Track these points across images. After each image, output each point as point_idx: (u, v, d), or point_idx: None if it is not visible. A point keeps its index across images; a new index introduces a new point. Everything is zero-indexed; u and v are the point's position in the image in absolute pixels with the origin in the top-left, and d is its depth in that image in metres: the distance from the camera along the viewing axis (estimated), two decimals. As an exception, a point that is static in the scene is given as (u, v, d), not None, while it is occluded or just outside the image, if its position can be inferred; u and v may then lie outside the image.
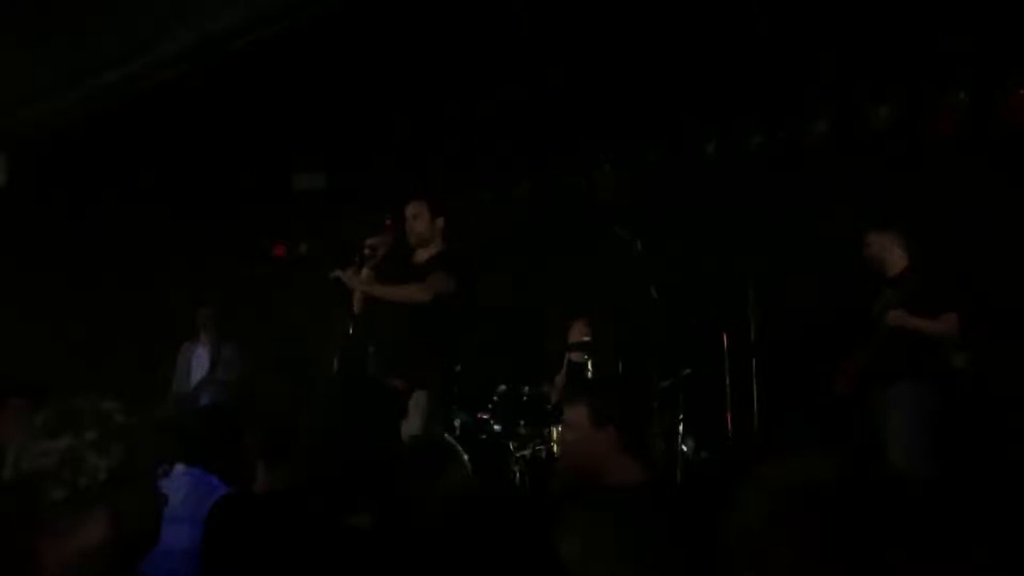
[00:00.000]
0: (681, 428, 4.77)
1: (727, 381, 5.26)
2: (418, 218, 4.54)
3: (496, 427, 4.94)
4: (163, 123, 5.70)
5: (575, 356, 5.61)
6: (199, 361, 6.38)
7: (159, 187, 6.55)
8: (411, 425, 4.13)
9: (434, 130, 6.02)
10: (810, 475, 0.78)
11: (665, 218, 5.86)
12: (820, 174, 5.57)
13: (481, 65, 5.33)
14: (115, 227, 6.45)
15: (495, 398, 5.04)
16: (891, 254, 4.62)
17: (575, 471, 2.25)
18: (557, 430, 4.82)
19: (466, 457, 2.28)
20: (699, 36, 5.07)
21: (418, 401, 4.32)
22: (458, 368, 4.96)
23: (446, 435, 4.46)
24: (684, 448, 4.74)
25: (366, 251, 4.46)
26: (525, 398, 5.03)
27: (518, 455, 4.76)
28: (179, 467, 2.37)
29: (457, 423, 4.90)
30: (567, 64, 5.34)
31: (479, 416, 5.09)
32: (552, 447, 4.79)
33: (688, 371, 5.00)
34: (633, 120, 5.88)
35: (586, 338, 5.32)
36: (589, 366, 4.70)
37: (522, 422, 4.91)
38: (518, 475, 4.67)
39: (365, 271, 4.50)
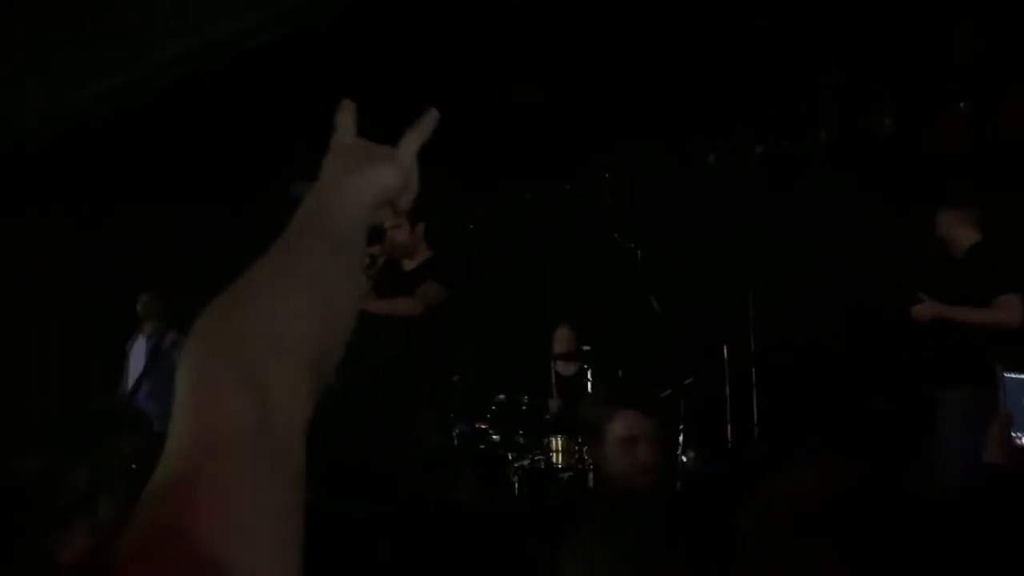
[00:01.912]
0: (681, 439, 4.78)
1: (727, 391, 5.27)
2: (398, 228, 4.53)
3: (494, 437, 4.95)
4: (161, 128, 5.70)
5: (562, 367, 5.61)
6: (137, 355, 5.75)
7: (157, 194, 6.54)
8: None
9: (434, 137, 6.03)
10: (832, 482, 0.79)
11: (666, 228, 5.88)
12: (822, 184, 5.59)
13: (482, 72, 5.35)
14: (114, 234, 6.41)
15: (493, 408, 5.04)
16: (960, 232, 4.03)
17: (615, 484, 2.25)
18: (556, 440, 4.83)
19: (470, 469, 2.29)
20: (701, 45, 5.09)
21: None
22: (456, 378, 4.96)
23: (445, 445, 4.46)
24: (684, 459, 4.75)
25: (367, 260, 4.46)
26: (524, 408, 5.04)
27: (516, 465, 4.76)
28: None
29: (455, 433, 4.90)
30: (568, 72, 5.36)
31: (477, 426, 5.09)
32: (551, 457, 4.79)
33: (688, 381, 5.01)
34: (634, 129, 5.90)
35: (585, 347, 5.33)
36: (589, 376, 4.70)
37: (521, 432, 4.91)
38: (516, 486, 4.67)
39: (363, 281, 4.50)
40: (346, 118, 0.95)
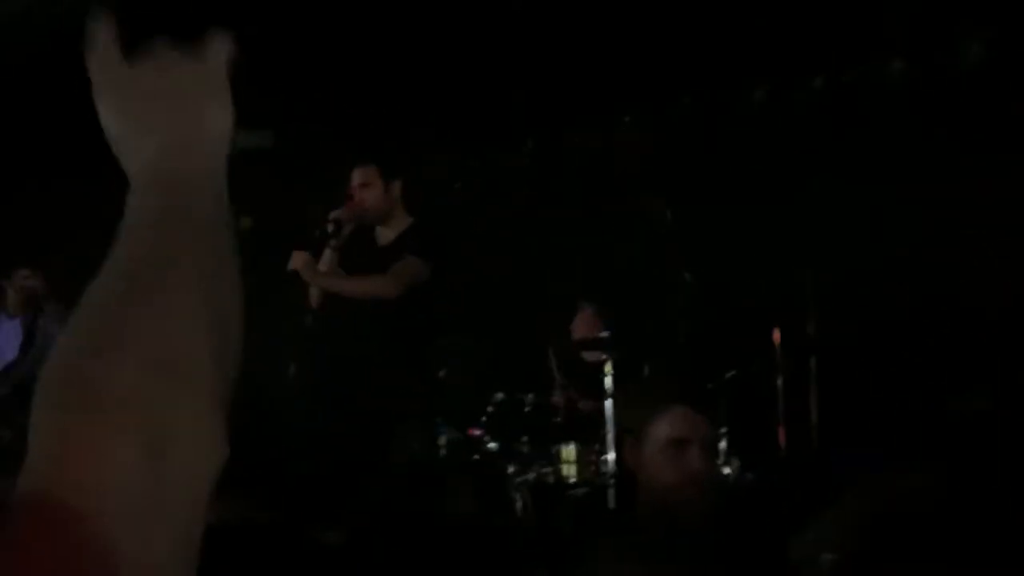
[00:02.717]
0: (723, 444, 4.78)
1: (779, 387, 5.27)
2: (368, 187, 4.52)
3: (491, 445, 4.96)
4: (75, 65, 5.67)
5: (589, 355, 5.62)
6: (7, 338, 5.80)
7: (71, 148, 6.53)
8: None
9: (411, 75, 6.01)
10: (915, 502, 0.79)
11: (701, 184, 5.87)
12: (897, 126, 5.57)
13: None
14: (24, 197, 6.41)
15: (490, 410, 5.05)
16: None
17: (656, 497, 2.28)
18: (568, 449, 4.84)
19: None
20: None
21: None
22: (442, 373, 4.97)
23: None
24: (727, 470, 4.76)
25: (329, 227, 4.45)
26: (528, 409, 5.05)
27: (519, 480, 4.78)
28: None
29: (442, 441, 4.91)
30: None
31: (470, 432, 5.11)
32: (562, 470, 4.81)
33: (731, 374, 5.01)
34: (661, 60, 5.87)
35: (602, 334, 5.33)
36: (607, 369, 4.71)
37: (524, 439, 4.92)
38: (520, 505, 4.69)
39: (327, 253, 4.50)
40: (103, 29, 0.81)
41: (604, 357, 4.88)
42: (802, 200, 5.70)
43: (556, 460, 4.83)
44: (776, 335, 5.35)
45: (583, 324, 5.74)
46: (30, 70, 5.50)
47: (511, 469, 4.82)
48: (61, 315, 5.68)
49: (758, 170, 5.92)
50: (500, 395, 5.07)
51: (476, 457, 4.95)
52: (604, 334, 5.28)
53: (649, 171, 6.17)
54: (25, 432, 0.61)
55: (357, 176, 4.56)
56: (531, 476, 4.81)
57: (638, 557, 1.14)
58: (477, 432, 5.05)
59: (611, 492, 4.40)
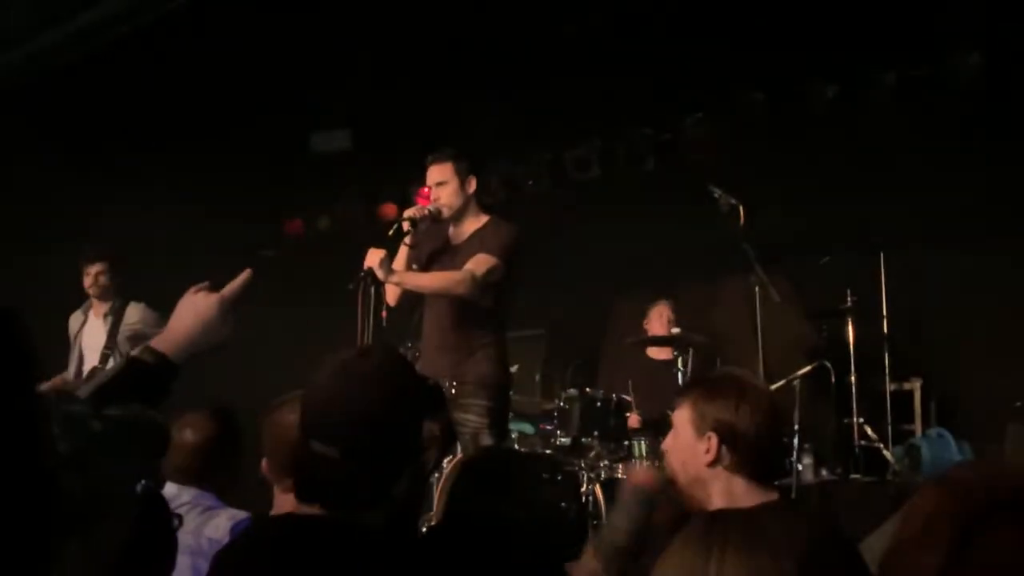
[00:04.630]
0: (796, 440, 4.73)
1: (853, 381, 5.21)
2: (444, 185, 4.52)
3: (562, 440, 4.96)
4: (155, 69, 5.79)
5: (656, 352, 5.60)
6: (92, 339, 5.77)
7: (151, 150, 6.66)
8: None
9: (481, 72, 6.02)
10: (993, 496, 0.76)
11: (773, 179, 5.80)
12: (971, 120, 5.46)
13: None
14: (99, 194, 6.55)
15: (561, 404, 5.05)
16: None
17: (672, 493, 2.26)
18: (638, 444, 4.82)
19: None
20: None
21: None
22: (515, 368, 4.97)
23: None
24: (800, 466, 4.71)
25: (404, 225, 4.46)
26: (598, 404, 5.03)
27: (590, 475, 4.77)
28: (171, 486, 2.43)
29: (514, 435, 4.92)
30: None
31: (541, 427, 5.11)
32: (633, 466, 4.79)
33: (805, 369, 4.96)
34: (731, 54, 5.81)
35: (675, 329, 5.30)
36: (679, 364, 4.68)
37: (595, 434, 4.91)
38: (591, 499, 4.68)
39: (402, 250, 4.52)
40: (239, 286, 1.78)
41: (676, 354, 4.86)
42: (875, 194, 5.62)
43: (628, 456, 4.82)
44: (849, 329, 5.29)
45: (656, 318, 5.72)
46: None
47: (582, 464, 4.81)
48: (141, 312, 5.74)
49: (830, 164, 5.85)
50: (572, 391, 5.07)
51: (547, 451, 4.95)
52: (676, 331, 5.26)
53: (719, 164, 6.11)
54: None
55: (432, 174, 4.57)
56: (602, 471, 4.81)
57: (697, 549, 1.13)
58: (548, 427, 5.06)
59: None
